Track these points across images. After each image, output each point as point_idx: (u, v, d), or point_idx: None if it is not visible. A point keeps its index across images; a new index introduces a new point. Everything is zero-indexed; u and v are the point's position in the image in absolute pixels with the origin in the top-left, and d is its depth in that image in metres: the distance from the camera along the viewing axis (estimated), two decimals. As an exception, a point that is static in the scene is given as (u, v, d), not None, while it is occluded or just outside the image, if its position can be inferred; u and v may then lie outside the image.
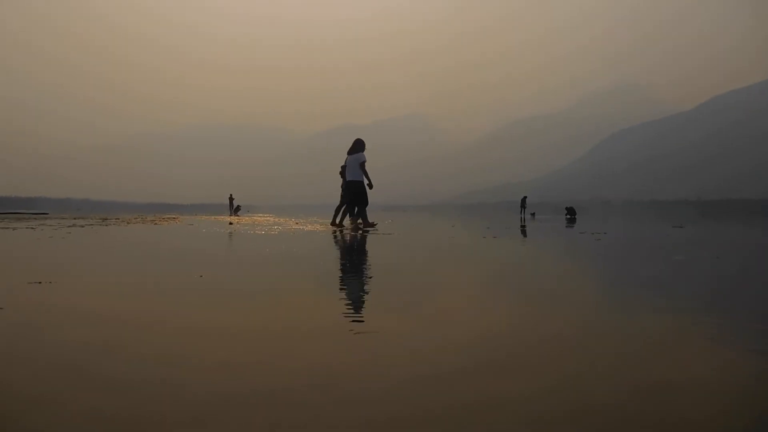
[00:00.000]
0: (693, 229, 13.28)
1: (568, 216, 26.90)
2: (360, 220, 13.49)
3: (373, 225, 13.30)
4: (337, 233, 11.13)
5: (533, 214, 36.51)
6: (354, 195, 13.37)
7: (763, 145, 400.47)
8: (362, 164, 13.44)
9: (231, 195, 44.81)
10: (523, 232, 12.13)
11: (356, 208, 13.66)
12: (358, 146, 13.77)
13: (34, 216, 26.33)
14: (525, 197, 38.13)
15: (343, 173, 14.53)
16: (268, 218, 21.73)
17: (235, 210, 41.32)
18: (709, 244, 8.36)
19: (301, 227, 14.06)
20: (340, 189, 14.93)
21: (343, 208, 14.84)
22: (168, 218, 22.65)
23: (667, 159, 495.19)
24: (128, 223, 17.16)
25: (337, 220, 14.71)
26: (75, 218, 21.96)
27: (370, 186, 13.39)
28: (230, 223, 17.33)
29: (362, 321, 2.76)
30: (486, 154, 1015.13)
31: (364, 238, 9.78)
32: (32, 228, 13.22)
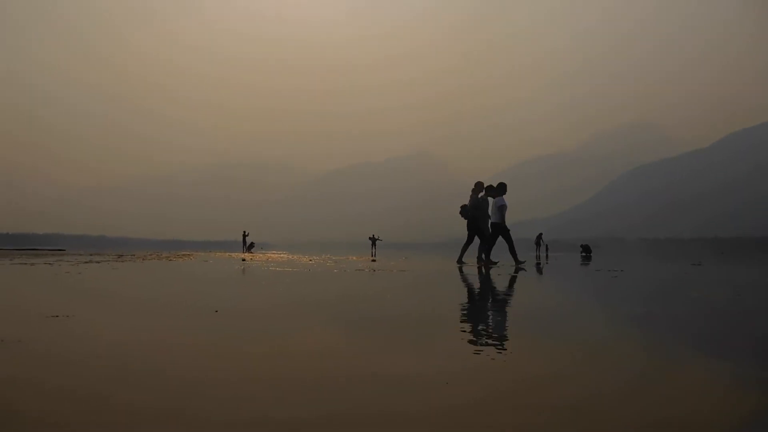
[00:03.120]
0: (711, 267, 13.07)
1: (584, 254, 26.67)
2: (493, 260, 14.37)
3: (494, 263, 13.80)
4: (463, 269, 11.53)
5: (547, 247, 36.47)
6: (495, 235, 14.36)
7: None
8: (501, 208, 14.37)
9: (245, 232, 44.72)
10: (542, 270, 12.02)
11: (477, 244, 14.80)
12: (500, 190, 14.63)
13: (51, 252, 26.61)
14: (540, 234, 37.93)
15: (463, 213, 15.30)
16: (299, 257, 21.70)
17: (248, 247, 41.26)
18: (728, 283, 8.24)
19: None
20: (466, 228, 15.43)
21: (468, 246, 15.55)
22: (182, 255, 22.77)
23: (682, 197, 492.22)
24: (143, 259, 17.26)
25: (463, 258, 15.32)
26: (91, 254, 22.14)
27: (502, 228, 14.29)
28: (243, 259, 17.36)
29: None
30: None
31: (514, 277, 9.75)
32: (50, 264, 13.34)
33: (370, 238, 40.37)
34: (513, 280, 8.87)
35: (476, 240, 15.16)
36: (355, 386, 2.26)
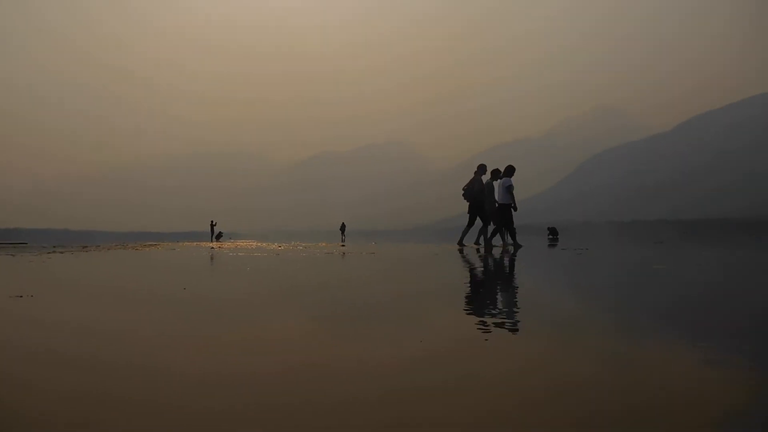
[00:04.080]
0: (672, 246, 13.47)
1: (551, 236, 27.05)
2: (488, 243, 14.22)
3: (519, 246, 13.75)
4: (464, 251, 11.73)
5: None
6: (502, 217, 14.18)
7: (739, 164, 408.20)
8: (509, 188, 14.20)
9: (213, 221, 44.22)
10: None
11: (481, 226, 14.74)
12: (508, 172, 14.44)
13: (13, 245, 25.98)
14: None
15: (466, 195, 15.18)
16: (269, 245, 21.59)
17: (216, 236, 40.87)
18: (685, 257, 8.51)
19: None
20: (468, 210, 15.34)
21: (470, 229, 15.49)
22: (148, 245, 22.47)
23: (646, 179, 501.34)
24: (108, 249, 17.01)
25: (464, 241, 15.33)
26: (55, 246, 21.71)
27: (515, 209, 14.11)
28: (213, 247, 17.25)
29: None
30: (466, 179, 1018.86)
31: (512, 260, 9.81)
32: (12, 255, 13.08)
33: (341, 229, 40.92)
34: (487, 258, 9.03)
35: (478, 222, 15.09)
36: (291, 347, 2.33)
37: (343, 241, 25.69)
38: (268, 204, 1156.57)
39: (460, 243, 15.07)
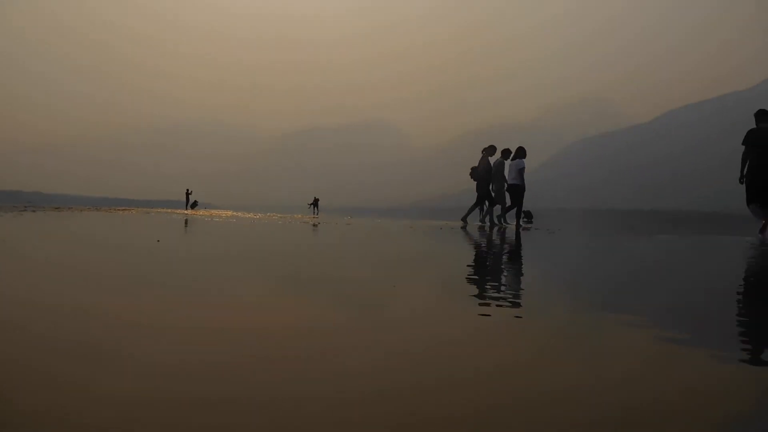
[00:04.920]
0: (642, 232, 13.69)
1: (525, 219, 27.33)
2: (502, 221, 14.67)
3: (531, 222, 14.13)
4: (466, 228, 11.75)
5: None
6: (514, 197, 14.40)
7: (713, 160, 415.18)
8: (521, 170, 14.35)
9: (188, 190, 43.71)
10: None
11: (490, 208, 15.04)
12: (519, 153, 14.61)
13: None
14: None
15: (473, 174, 15.31)
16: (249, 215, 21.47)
17: (191, 205, 40.47)
18: (651, 240, 8.66)
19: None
20: (476, 189, 15.38)
21: (478, 207, 15.54)
22: (122, 209, 22.21)
23: (622, 169, 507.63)
24: (81, 211, 16.78)
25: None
26: (26, 206, 21.34)
27: (524, 189, 14.35)
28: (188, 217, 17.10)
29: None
30: (449, 161, 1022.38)
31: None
32: (-22, 211, 12.82)
33: (311, 204, 41.65)
34: (465, 231, 9.10)
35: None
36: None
37: (316, 214, 25.72)
38: (248, 177, 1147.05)
39: (464, 219, 15.17)
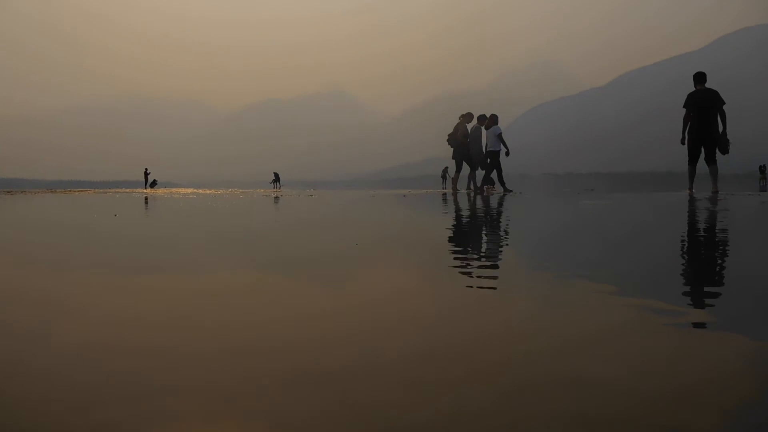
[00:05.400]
0: (601, 192, 14.02)
1: (487, 185, 27.51)
2: (480, 185, 14.80)
3: (510, 190, 13.96)
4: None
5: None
6: (492, 162, 14.54)
7: (664, 120, 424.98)
8: (500, 136, 14.49)
9: (146, 169, 42.97)
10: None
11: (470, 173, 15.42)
12: (493, 120, 14.77)
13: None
14: (446, 168, 38.91)
15: (450, 141, 15.29)
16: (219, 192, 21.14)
17: (151, 184, 39.84)
18: (610, 199, 8.88)
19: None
20: (452, 156, 15.46)
21: (459, 175, 15.64)
22: (78, 191, 21.64)
23: (581, 133, 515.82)
24: (35, 193, 16.28)
25: (457, 186, 15.59)
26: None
27: (507, 154, 14.47)
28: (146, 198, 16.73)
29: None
30: (408, 129, 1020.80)
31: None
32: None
33: (272, 181, 41.74)
34: (432, 198, 9.12)
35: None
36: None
37: (278, 188, 25.58)
38: (205, 154, 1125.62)
39: (454, 188, 15.36)
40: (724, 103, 9.72)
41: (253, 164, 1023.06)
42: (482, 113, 15.29)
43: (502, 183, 14.36)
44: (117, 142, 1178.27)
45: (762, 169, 46.27)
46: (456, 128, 15.10)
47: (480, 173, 14.99)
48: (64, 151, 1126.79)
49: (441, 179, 38.54)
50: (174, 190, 24.81)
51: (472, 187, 15.23)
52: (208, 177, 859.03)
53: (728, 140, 9.80)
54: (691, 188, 10.08)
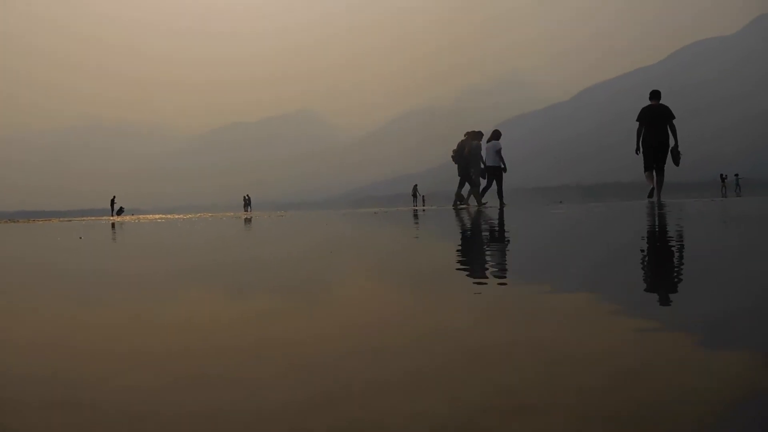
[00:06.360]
0: (572, 204, 14.30)
1: (458, 202, 27.76)
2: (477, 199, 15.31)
3: (505, 204, 14.26)
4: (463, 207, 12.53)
5: (423, 198, 39.07)
6: (493, 177, 15.10)
7: (625, 134, 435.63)
8: (498, 152, 14.89)
9: (113, 197, 42.81)
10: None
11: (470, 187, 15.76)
12: (494, 135, 15.40)
13: None
14: (416, 186, 39.27)
15: (455, 158, 15.71)
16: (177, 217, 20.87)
17: (117, 212, 39.53)
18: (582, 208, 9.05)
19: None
20: (458, 173, 15.91)
21: (461, 189, 16.10)
22: (41, 220, 21.17)
23: (549, 148, 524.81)
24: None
25: (460, 200, 15.98)
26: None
27: (505, 170, 15.01)
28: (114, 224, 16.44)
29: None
30: (378, 148, 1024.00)
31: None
32: None
33: (244, 198, 42.07)
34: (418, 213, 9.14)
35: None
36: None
37: (249, 211, 25.44)
38: (171, 180, 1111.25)
39: (455, 203, 15.73)
40: (674, 118, 10.79)
41: (221, 188, 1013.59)
42: (479, 130, 15.88)
43: (501, 198, 14.89)
44: (79, 173, 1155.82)
45: (723, 177, 48.37)
46: (461, 145, 15.44)
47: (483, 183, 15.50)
48: (20, 184, 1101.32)
49: (411, 197, 38.85)
50: (142, 217, 24.44)
51: (469, 202, 15.65)
52: (176, 202, 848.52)
53: (680, 153, 10.87)
54: (650, 181, 11.20)
